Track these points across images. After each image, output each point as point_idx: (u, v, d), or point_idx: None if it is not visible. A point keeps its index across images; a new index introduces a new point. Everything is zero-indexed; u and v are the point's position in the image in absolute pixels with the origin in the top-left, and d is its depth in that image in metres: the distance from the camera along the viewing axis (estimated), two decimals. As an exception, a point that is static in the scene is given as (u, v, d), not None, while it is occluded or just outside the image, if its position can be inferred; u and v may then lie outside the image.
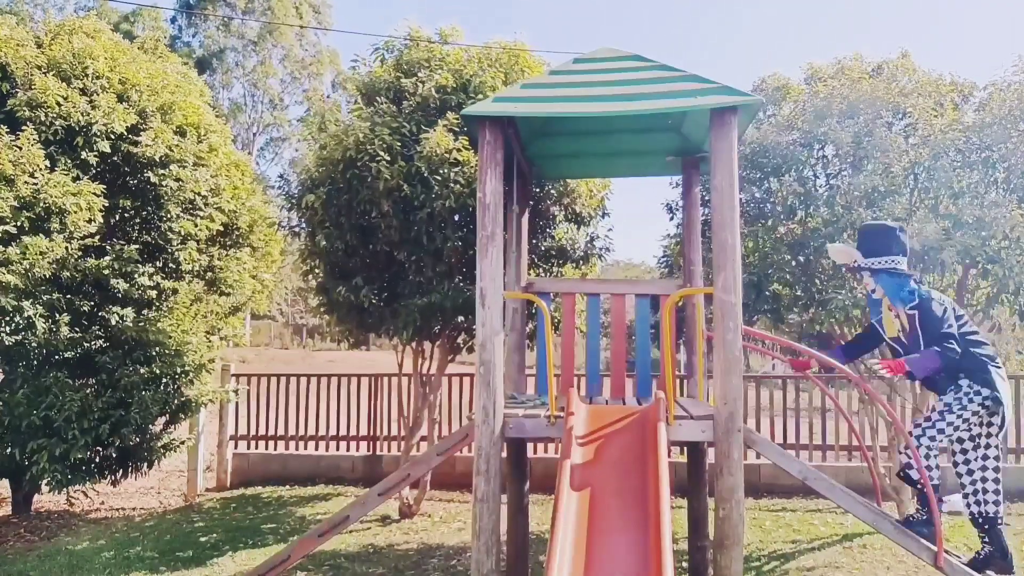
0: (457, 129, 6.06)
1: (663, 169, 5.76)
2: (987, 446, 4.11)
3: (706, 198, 6.01)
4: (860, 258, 4.20)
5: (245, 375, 9.46)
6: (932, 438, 4.03)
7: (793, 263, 6.26)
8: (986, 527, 4.08)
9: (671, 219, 7.31)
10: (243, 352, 19.29)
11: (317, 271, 7.01)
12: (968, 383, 4.01)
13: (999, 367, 4.02)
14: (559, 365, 5.14)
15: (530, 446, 7.23)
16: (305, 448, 9.22)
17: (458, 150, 6.02)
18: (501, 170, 4.06)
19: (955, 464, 4.22)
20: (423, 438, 7.79)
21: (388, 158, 5.97)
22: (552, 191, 6.76)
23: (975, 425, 4.09)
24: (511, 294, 4.65)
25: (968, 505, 4.14)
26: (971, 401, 3.99)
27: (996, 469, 4.08)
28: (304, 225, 6.89)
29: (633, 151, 5.52)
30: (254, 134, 35.14)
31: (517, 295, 4.77)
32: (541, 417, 4.05)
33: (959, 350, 3.93)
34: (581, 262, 7.18)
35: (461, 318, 6.72)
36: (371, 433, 9.08)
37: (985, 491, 4.06)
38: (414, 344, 7.22)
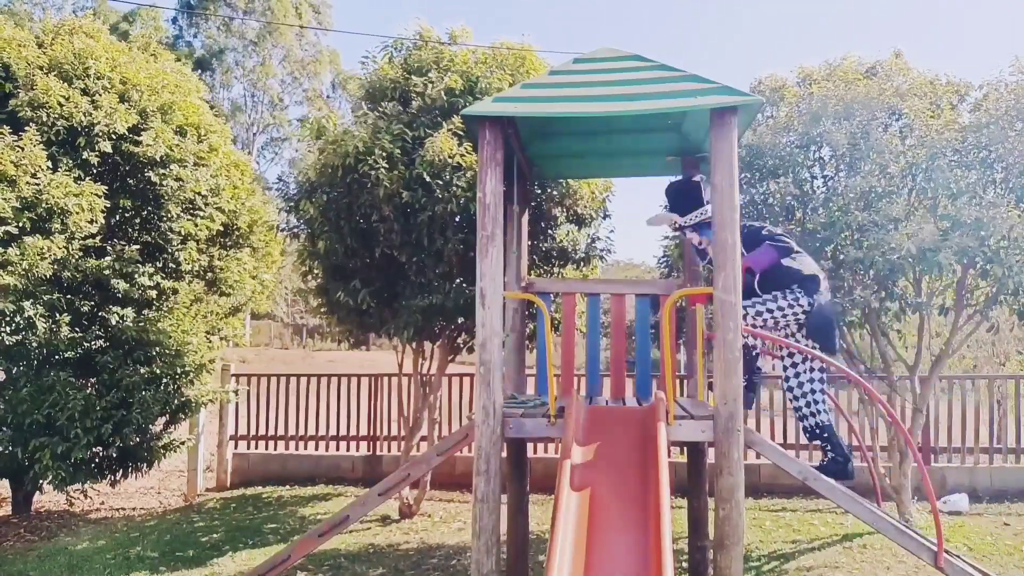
0: (461, 133, 6.06)
1: (663, 169, 5.74)
2: (812, 359, 4.45)
3: (705, 199, 6.00)
4: (679, 219, 4.53)
5: (245, 375, 9.51)
6: (762, 317, 4.44)
7: None
8: (825, 435, 4.43)
9: None
10: (243, 352, 19.28)
11: (316, 273, 7.03)
12: (799, 288, 4.44)
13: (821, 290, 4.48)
14: (559, 365, 5.14)
15: (530, 446, 7.25)
16: (305, 448, 9.24)
17: (461, 155, 6.02)
18: (501, 170, 4.05)
19: (789, 387, 4.47)
20: (423, 438, 7.80)
21: (387, 166, 5.96)
22: (554, 192, 6.76)
23: (792, 324, 4.48)
24: (511, 294, 4.64)
25: (804, 418, 4.45)
26: (796, 302, 4.42)
27: (822, 380, 4.48)
28: (303, 227, 6.91)
29: (633, 151, 5.50)
30: (254, 134, 35.15)
31: (517, 295, 4.77)
32: (541, 417, 4.05)
33: (790, 241, 4.51)
34: (582, 263, 7.18)
35: (461, 319, 6.74)
36: (371, 433, 9.13)
37: (817, 402, 4.40)
38: (414, 344, 7.23)
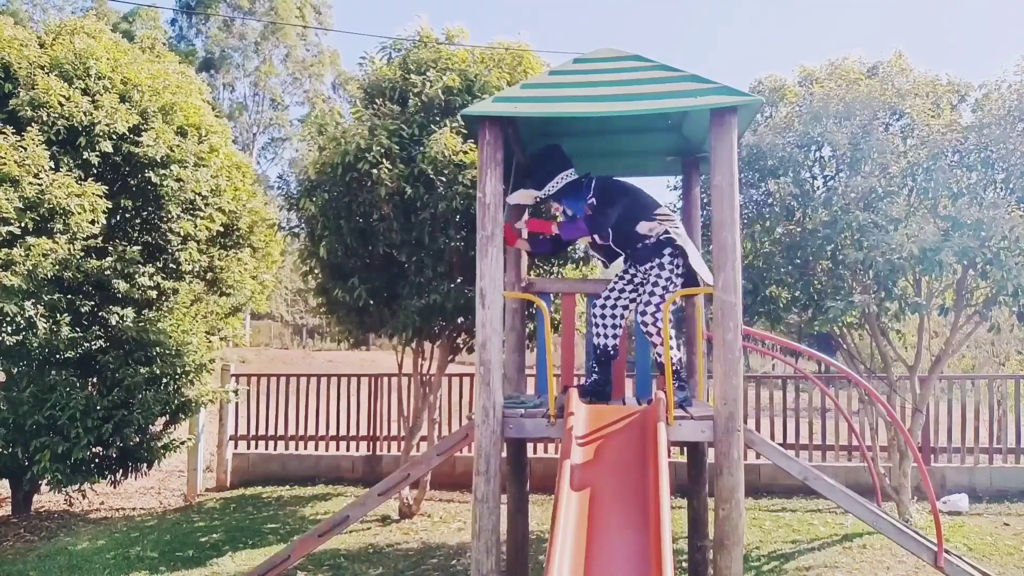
0: (466, 131, 6.06)
1: (663, 169, 5.74)
2: (609, 300, 4.56)
3: (705, 200, 6.00)
4: (538, 192, 4.39)
5: (245, 375, 9.54)
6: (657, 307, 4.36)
7: (791, 265, 6.28)
8: (680, 370, 4.46)
9: None
10: (243, 352, 19.24)
11: (316, 272, 7.04)
12: (671, 252, 4.34)
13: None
14: (559, 365, 5.13)
15: (530, 446, 7.26)
16: (305, 448, 9.25)
17: (464, 152, 6.02)
18: (501, 170, 4.03)
19: (645, 323, 4.42)
20: (423, 438, 7.80)
21: (389, 165, 5.97)
22: None
23: (673, 286, 4.41)
24: (511, 294, 4.63)
25: (660, 355, 4.41)
26: (675, 267, 4.34)
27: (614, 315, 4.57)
28: (303, 227, 6.90)
29: (633, 151, 5.45)
30: (255, 134, 35.16)
31: (517, 295, 4.76)
32: (541, 417, 4.03)
33: (610, 214, 4.33)
34: (582, 263, 7.20)
35: (461, 319, 6.74)
36: (371, 433, 9.14)
37: (673, 337, 4.30)
38: (414, 344, 7.23)
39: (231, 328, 8.24)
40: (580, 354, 5.73)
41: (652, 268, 4.39)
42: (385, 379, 9.13)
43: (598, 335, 4.57)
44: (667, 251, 4.34)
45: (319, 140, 6.68)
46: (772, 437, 8.35)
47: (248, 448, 9.26)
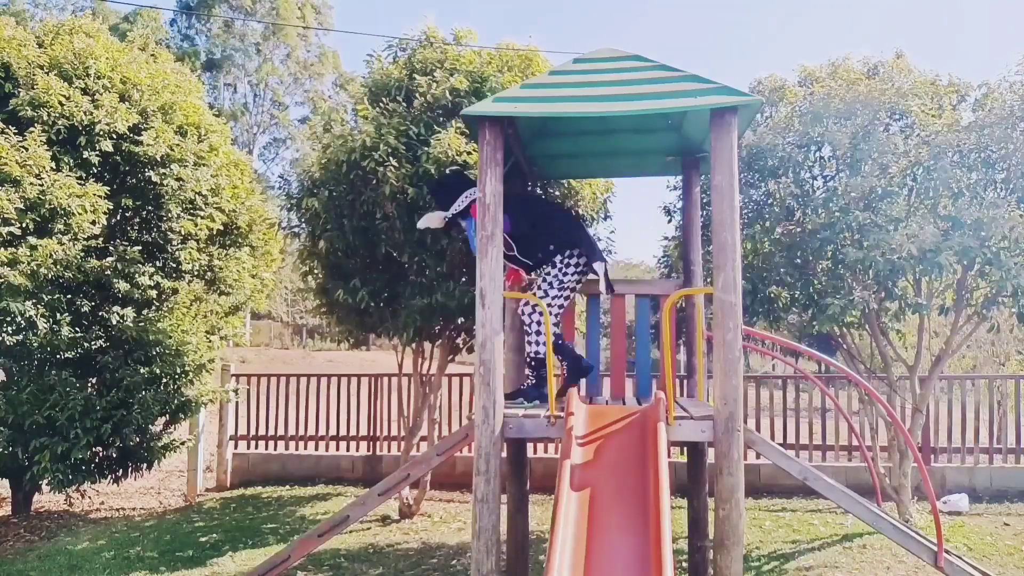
0: (468, 132, 6.05)
1: (663, 169, 5.73)
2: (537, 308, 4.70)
3: (705, 200, 6.00)
4: (445, 213, 4.68)
5: (245, 375, 9.54)
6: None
7: (791, 265, 6.27)
8: (533, 364, 4.66)
9: (669, 221, 7.36)
10: (243, 352, 19.27)
11: (316, 272, 7.03)
12: (564, 255, 4.66)
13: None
14: (559, 366, 5.12)
15: (530, 446, 7.26)
16: (305, 448, 9.25)
17: (468, 153, 6.00)
18: (501, 170, 4.04)
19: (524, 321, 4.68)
20: (423, 438, 7.80)
21: (395, 164, 5.95)
22: (555, 193, 6.73)
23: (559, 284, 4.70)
24: (511, 294, 4.64)
25: (536, 352, 4.61)
26: (568, 265, 4.65)
27: (540, 321, 4.67)
28: (304, 226, 6.90)
29: (633, 151, 5.44)
30: (256, 134, 35.15)
31: (517, 295, 4.77)
32: (541, 417, 4.03)
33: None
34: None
35: (462, 319, 6.72)
36: (371, 433, 9.15)
37: (540, 333, 4.59)
38: (414, 345, 7.22)
39: (231, 327, 8.25)
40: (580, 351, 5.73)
41: (545, 269, 4.78)
42: (385, 379, 9.14)
43: (528, 343, 4.71)
44: (558, 257, 4.66)
45: (324, 138, 6.67)
46: (772, 437, 8.35)
47: (248, 448, 9.26)
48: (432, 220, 4.72)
